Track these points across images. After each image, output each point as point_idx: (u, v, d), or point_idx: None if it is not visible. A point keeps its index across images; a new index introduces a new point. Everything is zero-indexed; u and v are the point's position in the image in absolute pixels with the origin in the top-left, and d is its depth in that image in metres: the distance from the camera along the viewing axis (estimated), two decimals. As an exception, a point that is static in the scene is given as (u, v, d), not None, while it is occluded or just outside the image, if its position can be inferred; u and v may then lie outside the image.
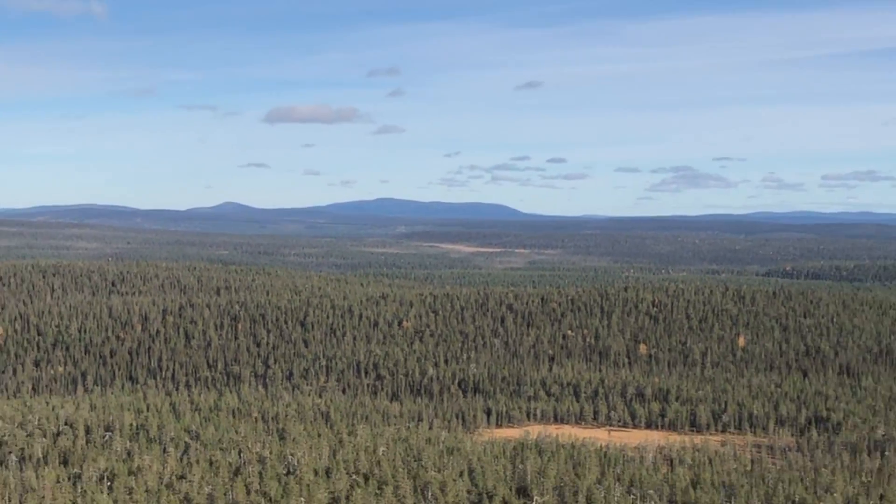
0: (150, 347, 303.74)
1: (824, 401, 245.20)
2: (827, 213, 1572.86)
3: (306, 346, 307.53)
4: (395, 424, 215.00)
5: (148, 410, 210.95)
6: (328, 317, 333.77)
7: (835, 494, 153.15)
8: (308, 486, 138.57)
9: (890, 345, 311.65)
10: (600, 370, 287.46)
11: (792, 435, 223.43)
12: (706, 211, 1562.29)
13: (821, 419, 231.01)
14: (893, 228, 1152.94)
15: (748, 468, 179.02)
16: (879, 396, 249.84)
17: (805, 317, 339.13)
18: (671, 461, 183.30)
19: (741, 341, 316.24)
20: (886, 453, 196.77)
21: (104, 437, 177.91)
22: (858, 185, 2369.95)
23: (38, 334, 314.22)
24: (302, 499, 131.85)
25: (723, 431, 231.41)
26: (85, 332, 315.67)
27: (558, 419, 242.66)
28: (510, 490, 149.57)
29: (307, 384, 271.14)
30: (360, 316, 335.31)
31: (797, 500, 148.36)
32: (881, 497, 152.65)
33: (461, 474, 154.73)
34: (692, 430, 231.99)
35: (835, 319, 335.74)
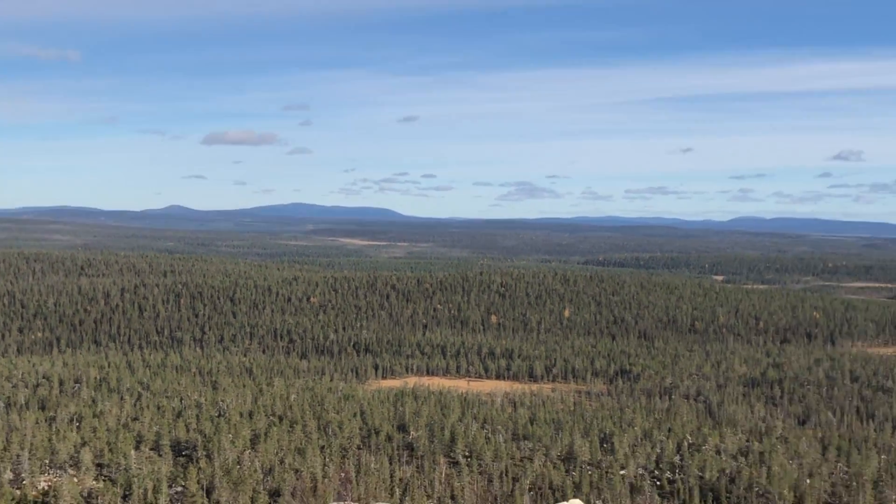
0: (110, 318, 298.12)
1: (627, 358, 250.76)
2: (629, 218, 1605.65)
3: (234, 317, 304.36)
4: (303, 377, 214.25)
5: (109, 367, 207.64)
6: (252, 294, 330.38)
7: (635, 427, 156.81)
8: (235, 425, 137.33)
9: (675, 316, 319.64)
10: (461, 335, 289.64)
11: (604, 383, 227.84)
12: (540, 215, 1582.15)
13: (625, 371, 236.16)
14: (678, 230, 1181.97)
15: (572, 408, 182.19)
16: (668, 354, 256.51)
17: (613, 294, 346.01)
18: (514, 404, 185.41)
19: (566, 313, 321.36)
20: (673, 396, 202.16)
21: (74, 388, 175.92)
22: (652, 197, 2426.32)
23: (22, 307, 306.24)
24: (230, 435, 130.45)
25: (553, 381, 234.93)
26: (59, 305, 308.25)
27: (430, 372, 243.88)
28: (392, 427, 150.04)
29: (235, 346, 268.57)
30: (277, 293, 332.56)
31: (608, 432, 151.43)
32: (669, 430, 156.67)
33: (355, 415, 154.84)
34: (530, 380, 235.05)
35: (635, 297, 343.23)
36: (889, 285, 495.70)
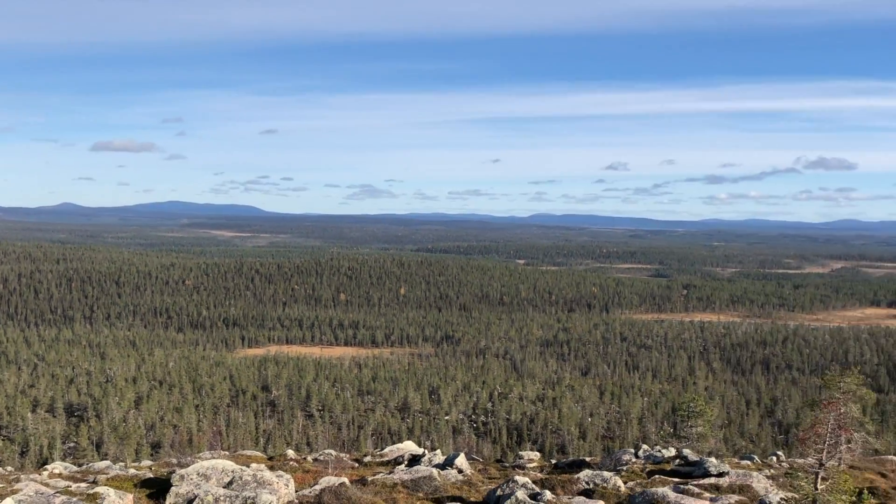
0: (8, 300, 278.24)
1: (451, 326, 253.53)
2: (452, 214, 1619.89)
3: (119, 298, 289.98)
4: (180, 348, 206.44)
5: (7, 342, 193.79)
6: (134, 278, 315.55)
7: (457, 381, 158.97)
8: (121, 389, 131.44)
9: (487, 292, 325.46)
10: (315, 310, 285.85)
11: (432, 347, 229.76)
12: (380, 212, 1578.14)
13: (449, 337, 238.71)
14: (489, 224, 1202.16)
15: (406, 368, 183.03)
16: (482, 322, 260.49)
17: (440, 275, 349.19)
18: (360, 366, 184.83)
19: (402, 291, 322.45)
20: (486, 356, 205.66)
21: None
22: (469, 198, 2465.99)
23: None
24: (116, 398, 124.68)
25: (391, 346, 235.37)
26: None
27: (289, 342, 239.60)
28: (257, 387, 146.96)
29: (120, 323, 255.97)
30: (157, 277, 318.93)
31: (435, 385, 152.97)
32: (483, 382, 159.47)
33: (225, 378, 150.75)
34: (373, 346, 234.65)
35: (456, 277, 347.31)
36: (648, 266, 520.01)
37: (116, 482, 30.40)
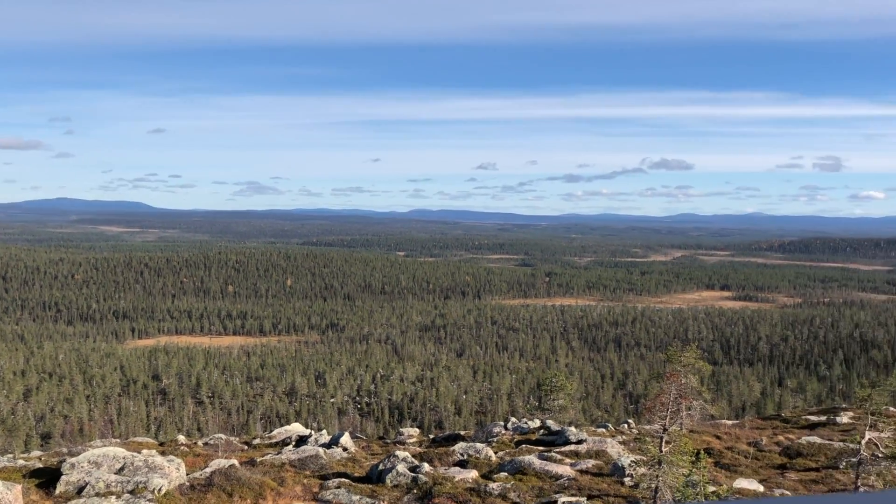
0: None
1: (335, 314, 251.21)
2: (336, 210, 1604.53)
3: (7, 293, 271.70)
4: (70, 340, 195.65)
5: None
6: (22, 273, 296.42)
7: (341, 366, 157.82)
8: (8, 382, 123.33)
9: (370, 282, 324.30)
10: (204, 302, 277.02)
11: (318, 335, 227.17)
12: (267, 208, 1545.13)
13: (334, 325, 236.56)
14: (371, 219, 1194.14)
15: (293, 355, 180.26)
16: (365, 310, 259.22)
17: (325, 267, 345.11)
18: (248, 354, 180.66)
19: (289, 282, 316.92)
20: (369, 341, 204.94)
21: None
22: (352, 195, 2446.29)
23: None
24: (4, 391, 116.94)
25: (279, 335, 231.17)
26: None
27: (179, 332, 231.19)
28: (148, 377, 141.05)
29: (7, 317, 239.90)
30: (45, 272, 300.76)
31: (321, 370, 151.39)
32: (366, 366, 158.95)
33: (116, 369, 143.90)
34: (261, 335, 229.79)
35: (341, 268, 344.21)
36: (515, 256, 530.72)
37: (4, 473, 28.48)
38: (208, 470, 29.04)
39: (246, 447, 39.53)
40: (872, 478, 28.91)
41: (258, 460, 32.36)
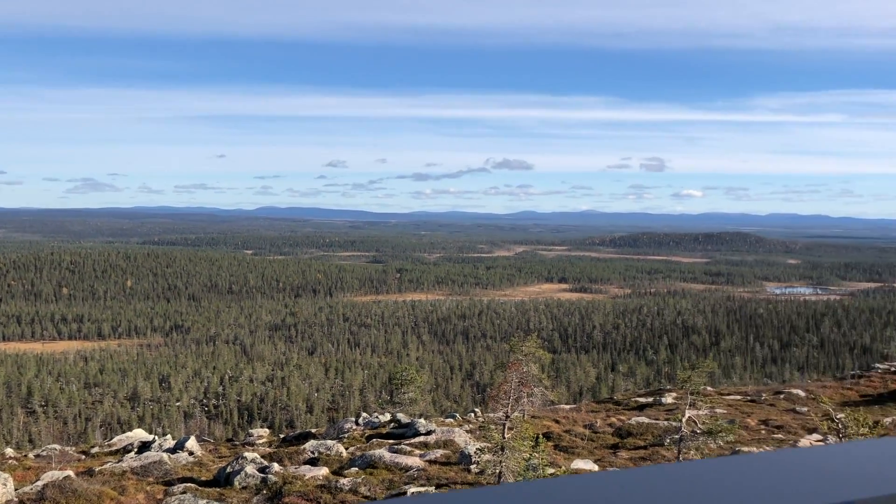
0: None
1: (180, 315, 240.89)
2: (179, 207, 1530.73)
3: None
4: None
5: None
6: None
7: (187, 369, 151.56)
8: None
9: (216, 281, 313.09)
10: (35, 305, 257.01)
11: (162, 337, 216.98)
12: (104, 205, 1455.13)
13: (178, 326, 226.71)
14: (217, 216, 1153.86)
15: (135, 358, 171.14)
16: (212, 311, 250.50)
17: (168, 267, 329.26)
18: (86, 359, 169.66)
19: (129, 283, 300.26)
20: (216, 342, 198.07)
21: None
22: (196, 192, 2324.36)
23: None
24: None
25: (119, 338, 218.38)
26: None
27: (6, 339, 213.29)
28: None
29: None
30: None
31: (165, 374, 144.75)
32: (214, 367, 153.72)
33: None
34: (99, 339, 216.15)
35: (185, 268, 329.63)
36: (367, 253, 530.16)
37: None
38: (40, 483, 27.08)
39: (83, 456, 37.18)
40: (692, 452, 31.28)
41: (97, 469, 30.54)
